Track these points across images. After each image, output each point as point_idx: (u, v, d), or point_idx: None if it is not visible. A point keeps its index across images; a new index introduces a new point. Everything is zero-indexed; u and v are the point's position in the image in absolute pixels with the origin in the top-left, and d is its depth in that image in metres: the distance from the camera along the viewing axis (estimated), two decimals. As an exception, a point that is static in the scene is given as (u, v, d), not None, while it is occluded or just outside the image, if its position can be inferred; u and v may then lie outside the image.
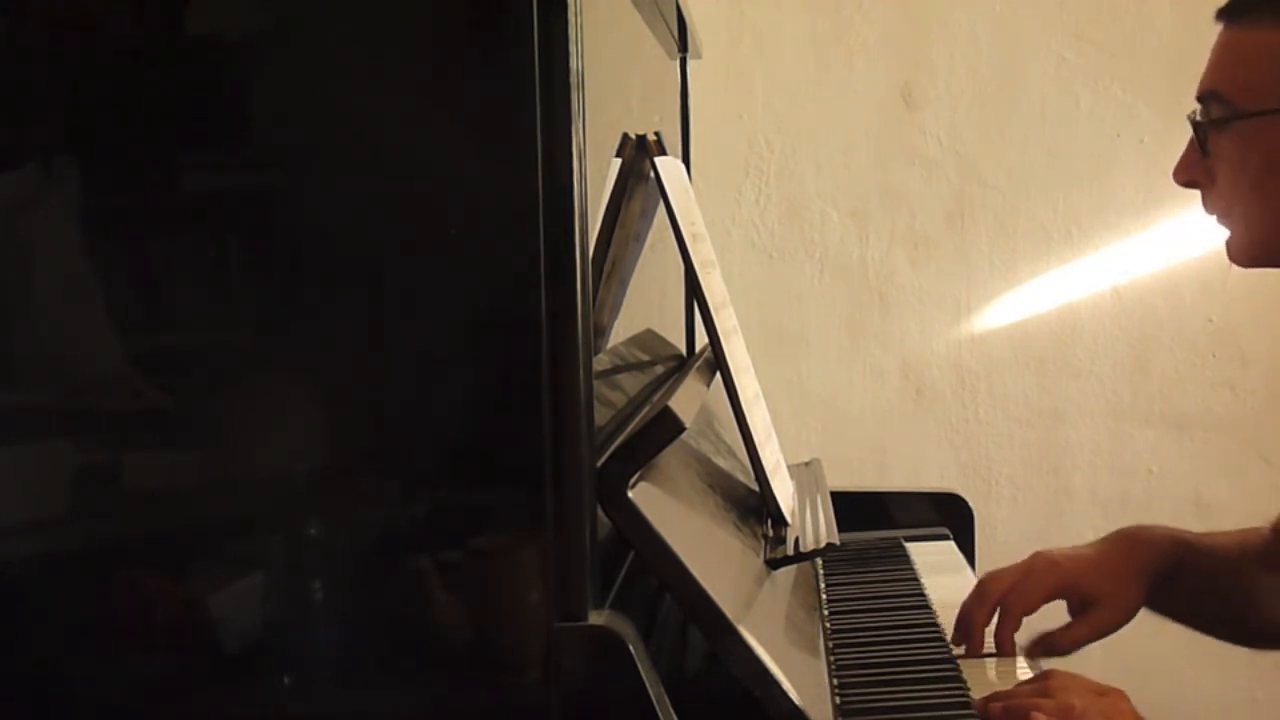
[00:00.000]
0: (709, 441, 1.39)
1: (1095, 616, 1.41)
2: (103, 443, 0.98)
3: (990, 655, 1.37)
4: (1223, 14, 1.28)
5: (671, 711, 0.92)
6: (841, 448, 2.50)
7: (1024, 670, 1.33)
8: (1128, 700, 1.19)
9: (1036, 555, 1.45)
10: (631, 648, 0.92)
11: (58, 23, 0.97)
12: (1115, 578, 1.42)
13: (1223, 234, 1.32)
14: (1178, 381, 2.52)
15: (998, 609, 1.40)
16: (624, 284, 1.38)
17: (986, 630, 1.39)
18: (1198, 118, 1.29)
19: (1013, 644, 1.38)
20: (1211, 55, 1.29)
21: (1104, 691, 1.19)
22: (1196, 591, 1.46)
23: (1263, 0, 1.25)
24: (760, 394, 1.43)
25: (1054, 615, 1.43)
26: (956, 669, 1.26)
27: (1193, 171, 1.31)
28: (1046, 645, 1.40)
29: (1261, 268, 1.31)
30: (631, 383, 1.37)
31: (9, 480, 0.97)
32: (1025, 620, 1.41)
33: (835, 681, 1.22)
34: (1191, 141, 1.30)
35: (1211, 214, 1.32)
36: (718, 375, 1.33)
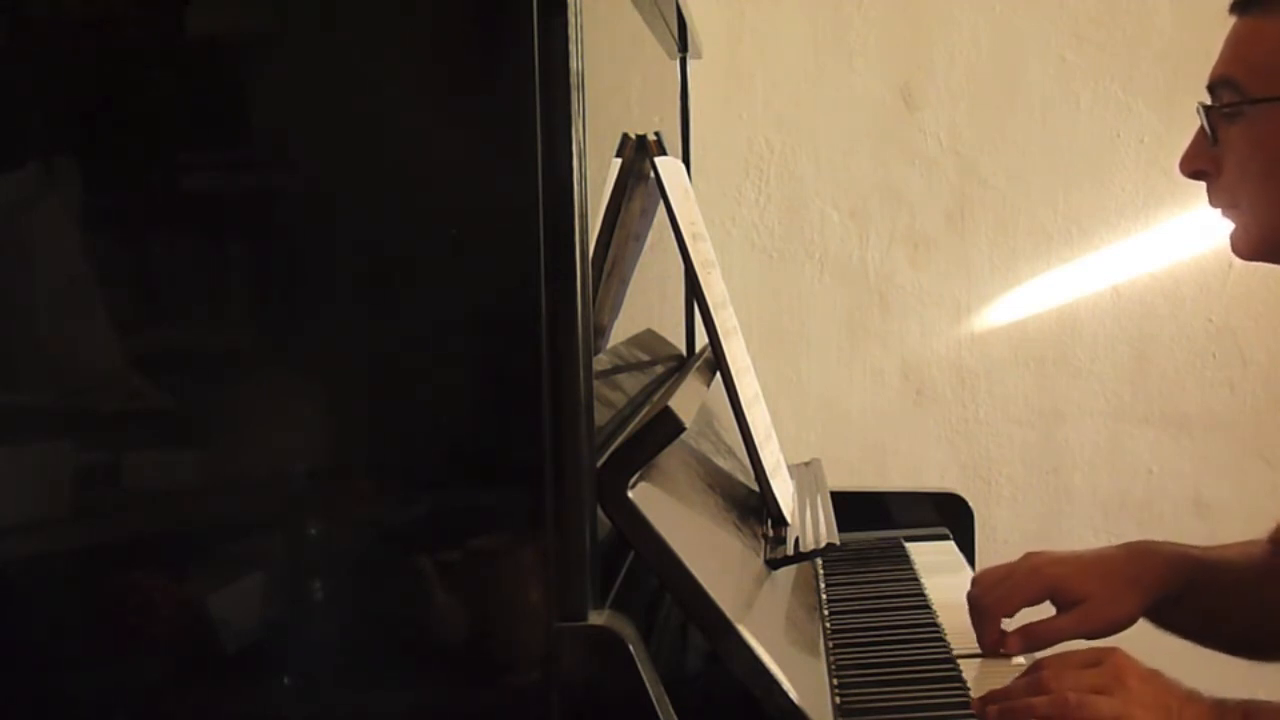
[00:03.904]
0: (709, 441, 1.39)
1: (1081, 612, 1.37)
2: (103, 443, 0.98)
3: (977, 655, 1.37)
4: (1237, 6, 1.28)
5: (671, 711, 0.92)
6: (841, 448, 2.49)
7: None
8: (1124, 655, 1.16)
9: (1025, 556, 1.43)
10: (631, 648, 0.92)
11: (58, 23, 0.97)
12: (1109, 582, 1.39)
13: (1226, 229, 1.30)
14: (1178, 381, 2.52)
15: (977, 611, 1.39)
16: (624, 284, 1.38)
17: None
18: (1208, 105, 1.27)
19: (997, 644, 1.36)
20: (1224, 45, 1.28)
21: (1098, 659, 1.16)
22: (1209, 610, 1.43)
23: None
24: (760, 394, 1.43)
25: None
26: (956, 669, 1.26)
27: (1200, 162, 1.29)
28: (1028, 636, 1.36)
29: (1264, 261, 1.30)
30: (631, 383, 1.37)
31: (9, 480, 0.97)
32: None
33: (835, 681, 1.22)
34: (1199, 132, 1.29)
35: (1216, 206, 1.30)
36: (718, 375, 1.33)
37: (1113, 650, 1.17)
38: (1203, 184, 1.31)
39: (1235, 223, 1.29)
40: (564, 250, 0.93)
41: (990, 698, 1.17)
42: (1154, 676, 1.16)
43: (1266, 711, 1.18)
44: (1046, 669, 1.17)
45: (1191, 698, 1.16)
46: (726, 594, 1.03)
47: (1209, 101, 1.28)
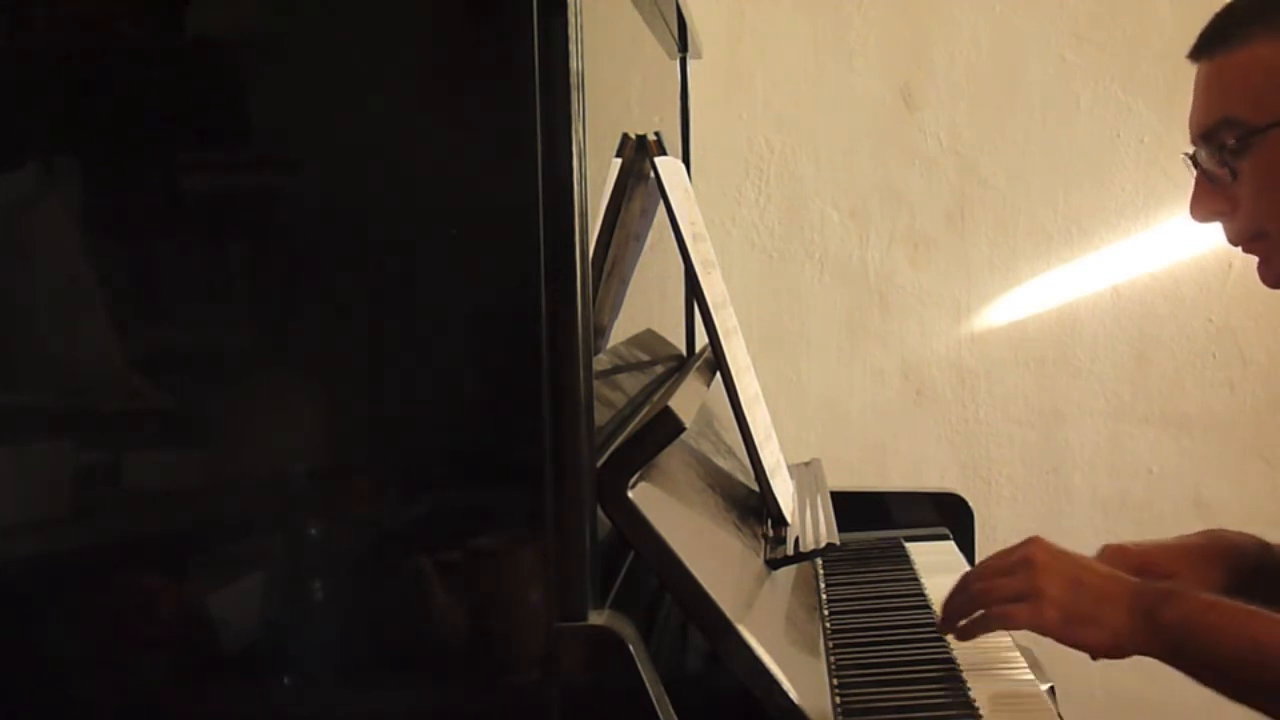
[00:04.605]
0: (709, 441, 1.39)
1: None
2: (103, 443, 0.98)
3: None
4: (1202, 49, 1.28)
5: (671, 711, 0.92)
6: (841, 448, 2.50)
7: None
8: (1037, 546, 1.28)
9: (1102, 548, 1.43)
10: (631, 648, 0.92)
11: (58, 23, 0.97)
12: (1193, 560, 1.40)
13: (1263, 275, 1.30)
14: (1178, 381, 2.52)
15: None
16: (624, 284, 1.38)
17: None
18: (1207, 154, 1.27)
19: None
20: (1201, 93, 1.28)
21: (1019, 575, 1.26)
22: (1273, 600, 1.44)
23: (1247, 19, 1.24)
24: (760, 394, 1.43)
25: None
26: (957, 669, 1.26)
27: (1213, 204, 1.29)
28: None
29: None
30: (631, 383, 1.37)
31: (9, 480, 0.97)
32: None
33: (835, 681, 1.22)
34: (1199, 179, 1.29)
35: (1237, 243, 1.29)
36: (718, 375, 1.33)
37: (1027, 542, 1.28)
38: (1235, 245, 1.31)
39: (1263, 254, 1.28)
40: (564, 250, 0.93)
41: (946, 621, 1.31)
42: (1061, 556, 1.27)
43: (1184, 600, 1.21)
44: (973, 585, 1.29)
45: (1113, 575, 1.26)
46: (726, 594, 1.03)
47: (1199, 152, 1.28)
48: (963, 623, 1.30)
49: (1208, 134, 1.27)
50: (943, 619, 1.33)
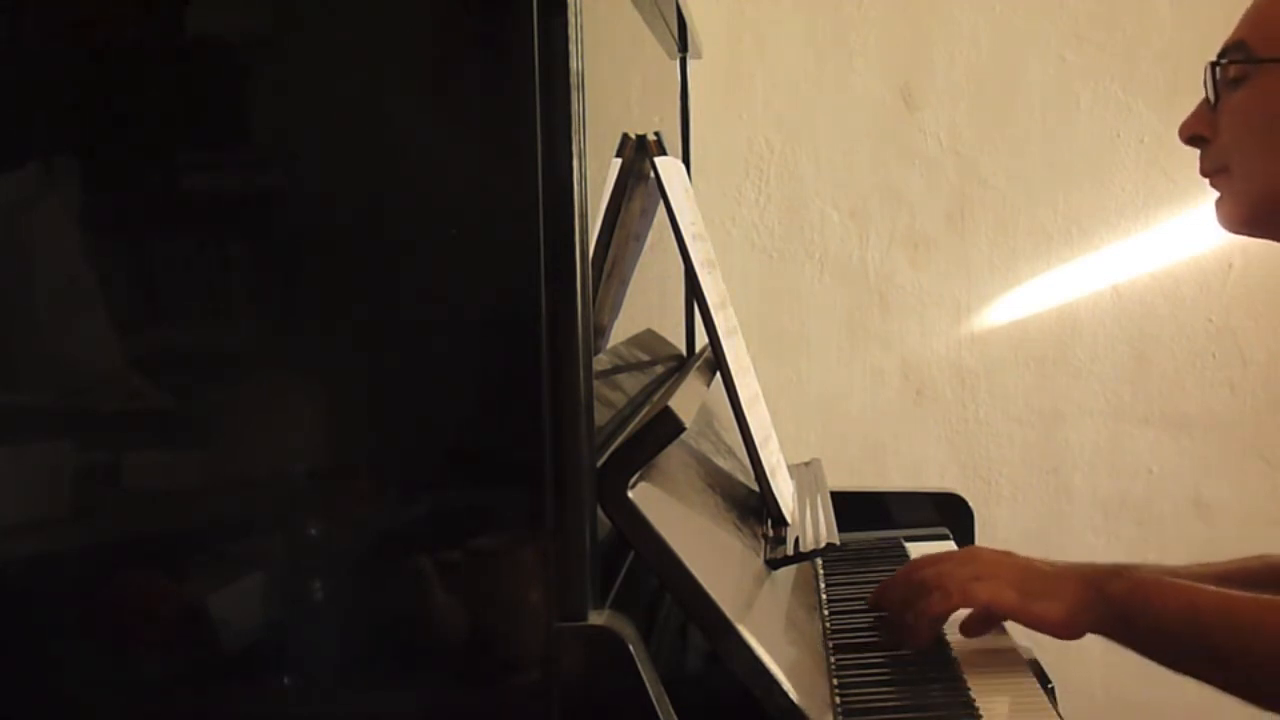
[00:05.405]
0: (709, 441, 1.39)
1: None
2: (103, 443, 0.98)
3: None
4: None
5: (671, 711, 0.92)
6: (841, 448, 2.50)
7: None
8: (981, 547, 1.33)
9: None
10: (631, 647, 0.92)
11: (58, 23, 0.97)
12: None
13: (1217, 214, 1.31)
14: (1178, 381, 2.52)
15: None
16: (624, 284, 1.38)
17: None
18: (1212, 73, 1.29)
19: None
20: (1244, 13, 1.30)
21: (970, 564, 1.30)
22: None
23: None
24: (760, 394, 1.43)
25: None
26: (957, 669, 1.26)
27: (1199, 126, 1.31)
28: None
29: (1247, 234, 1.31)
30: (631, 383, 1.37)
31: (9, 480, 0.97)
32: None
33: (835, 681, 1.22)
34: (1202, 101, 1.31)
35: (1206, 174, 1.32)
36: (718, 375, 1.33)
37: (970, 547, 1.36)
38: (1203, 177, 1.32)
39: (1222, 190, 1.30)
40: (564, 250, 0.93)
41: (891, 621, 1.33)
42: (1006, 551, 1.32)
43: (1130, 574, 1.25)
44: (925, 569, 1.32)
45: (1058, 562, 1.30)
46: (726, 594, 1.03)
47: (1207, 70, 1.29)
48: (919, 608, 1.29)
49: (1221, 53, 1.29)
50: (897, 614, 1.31)
